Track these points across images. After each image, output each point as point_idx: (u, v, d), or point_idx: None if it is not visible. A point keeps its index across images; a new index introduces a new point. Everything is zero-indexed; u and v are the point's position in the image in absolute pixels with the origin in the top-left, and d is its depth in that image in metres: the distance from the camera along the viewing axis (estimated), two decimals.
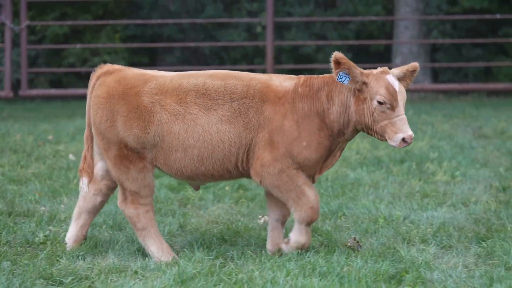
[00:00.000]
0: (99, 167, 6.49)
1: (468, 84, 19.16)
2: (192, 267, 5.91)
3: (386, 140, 6.10)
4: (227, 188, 8.99)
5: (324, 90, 6.25)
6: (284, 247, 6.36)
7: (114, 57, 22.30)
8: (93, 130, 6.33)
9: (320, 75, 6.35)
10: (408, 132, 6.03)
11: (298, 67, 19.80)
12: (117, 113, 6.20)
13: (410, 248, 6.52)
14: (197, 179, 6.36)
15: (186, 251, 6.37)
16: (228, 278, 5.76)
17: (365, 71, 6.16)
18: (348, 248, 6.48)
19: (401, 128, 6.05)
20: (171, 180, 8.96)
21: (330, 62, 6.09)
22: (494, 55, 20.02)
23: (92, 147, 6.44)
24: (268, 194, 6.45)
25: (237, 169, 6.28)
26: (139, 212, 6.30)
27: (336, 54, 6.06)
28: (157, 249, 6.29)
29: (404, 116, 6.09)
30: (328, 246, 6.62)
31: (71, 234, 6.58)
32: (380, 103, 6.05)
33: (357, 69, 6.10)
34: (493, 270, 5.90)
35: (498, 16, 17.89)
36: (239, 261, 6.22)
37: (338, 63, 6.07)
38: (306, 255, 6.22)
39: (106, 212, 7.63)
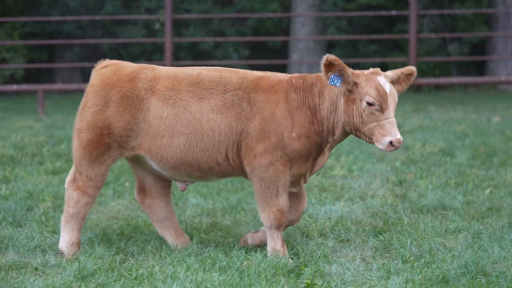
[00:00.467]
0: (149, 181, 6.55)
1: None
2: (93, 263, 5.86)
3: (374, 142, 5.98)
4: (126, 184, 8.92)
5: (317, 86, 6.17)
6: (268, 251, 6.22)
7: (13, 54, 21.87)
8: (77, 114, 6.29)
9: (314, 74, 6.29)
10: (396, 136, 5.89)
11: (197, 63, 19.75)
12: (110, 100, 6.19)
13: (309, 242, 6.56)
14: (183, 169, 6.24)
15: (87, 247, 6.30)
16: (129, 274, 5.73)
17: (356, 71, 6.06)
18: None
19: (389, 131, 5.91)
20: None
21: (320, 66, 5.98)
22: (389, 51, 20.43)
23: None
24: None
25: (228, 161, 6.20)
26: (81, 199, 6.24)
27: (329, 57, 5.94)
28: (68, 240, 6.22)
29: (393, 119, 5.95)
30: (228, 241, 6.61)
31: (174, 243, 6.54)
32: (369, 104, 5.92)
33: (349, 70, 6.01)
34: (390, 263, 5.98)
35: (393, 12, 18.22)
36: (139, 257, 6.18)
37: (329, 65, 5.95)
38: (206, 249, 6.21)
39: (6, 209, 7.53)
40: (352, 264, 5.99)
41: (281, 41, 22.61)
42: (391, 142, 5.87)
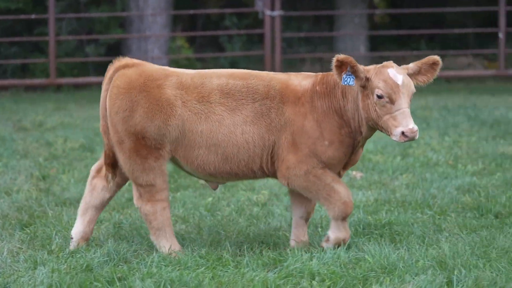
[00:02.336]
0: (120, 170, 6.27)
1: (7, 80, 19.26)
2: None
3: (388, 134, 5.91)
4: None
5: (339, 87, 6.10)
6: (324, 244, 6.20)
7: None
8: (108, 122, 6.11)
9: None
10: (408, 126, 5.80)
11: None
12: (137, 104, 6.03)
13: None
14: (220, 177, 6.20)
15: None
16: None
17: (367, 67, 6.03)
18: None
19: (400, 122, 5.82)
20: None
21: (332, 68, 5.93)
22: (30, 53, 20.32)
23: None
24: (292, 192, 6.35)
25: (262, 170, 6.17)
26: (157, 209, 6.13)
27: (339, 57, 5.89)
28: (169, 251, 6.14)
29: (406, 110, 5.86)
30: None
31: (78, 230, 6.38)
32: (378, 97, 5.88)
33: (360, 66, 5.96)
34: (36, 254, 6.15)
35: (33, 16, 18.30)
36: None
37: (341, 65, 5.90)
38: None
39: None
40: (0, 257, 6.09)
41: None
42: (403, 133, 5.81)
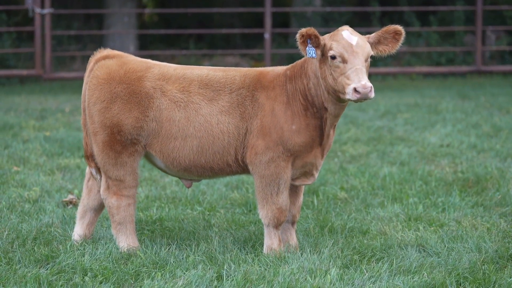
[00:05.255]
0: None
1: None
2: None
3: (345, 96, 5.71)
4: None
5: (303, 67, 6.05)
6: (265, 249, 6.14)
7: None
8: (86, 113, 6.06)
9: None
10: (360, 81, 5.59)
11: None
12: (116, 95, 6.01)
13: None
14: (195, 171, 6.12)
15: None
16: None
17: (324, 35, 5.93)
18: None
19: (353, 79, 5.64)
20: None
21: (297, 43, 5.80)
22: None
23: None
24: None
25: (237, 162, 6.09)
26: (121, 204, 6.11)
27: (302, 31, 5.76)
28: (127, 248, 6.09)
29: (359, 67, 5.66)
30: None
31: (79, 233, 6.35)
32: (332, 57, 5.75)
33: (319, 35, 5.84)
34: None
35: None
36: None
37: (304, 40, 5.78)
38: None
39: None
40: None
41: None
42: (355, 89, 5.63)
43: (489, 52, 23.23)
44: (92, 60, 6.25)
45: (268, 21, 19.89)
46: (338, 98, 5.87)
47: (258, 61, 22.86)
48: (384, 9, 23.13)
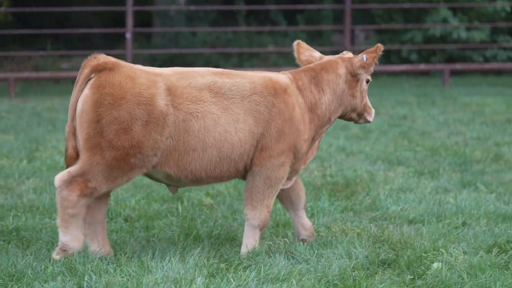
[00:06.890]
0: None
1: None
2: None
3: (361, 119, 6.52)
4: None
5: (312, 83, 6.30)
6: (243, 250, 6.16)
7: None
8: (92, 128, 5.70)
9: (301, 68, 6.40)
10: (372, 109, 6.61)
11: None
12: (136, 117, 5.76)
13: None
14: (206, 181, 6.08)
15: None
16: None
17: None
18: None
19: (370, 106, 6.55)
20: None
21: (377, 57, 6.35)
22: None
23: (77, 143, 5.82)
24: (282, 193, 6.45)
25: (245, 168, 6.13)
26: (80, 202, 5.79)
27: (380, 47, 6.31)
28: (74, 239, 5.87)
29: None
30: None
31: (97, 251, 6.00)
32: (367, 81, 6.42)
33: None
34: None
35: None
36: None
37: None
38: None
39: None
40: None
41: None
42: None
43: (358, 51, 23.75)
44: (86, 67, 5.86)
45: (129, 20, 19.62)
46: (345, 113, 6.47)
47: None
48: (250, 7, 23.32)
